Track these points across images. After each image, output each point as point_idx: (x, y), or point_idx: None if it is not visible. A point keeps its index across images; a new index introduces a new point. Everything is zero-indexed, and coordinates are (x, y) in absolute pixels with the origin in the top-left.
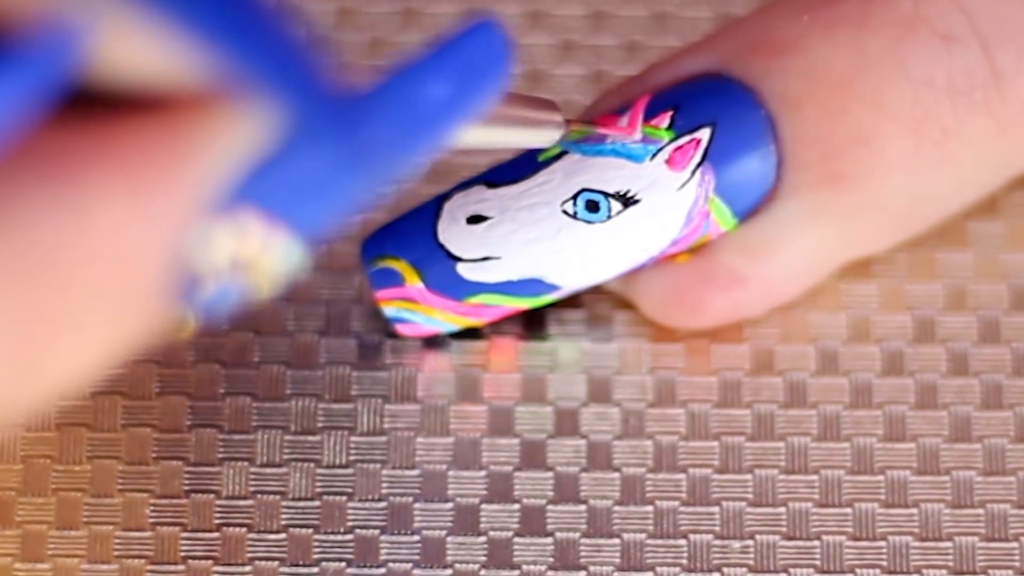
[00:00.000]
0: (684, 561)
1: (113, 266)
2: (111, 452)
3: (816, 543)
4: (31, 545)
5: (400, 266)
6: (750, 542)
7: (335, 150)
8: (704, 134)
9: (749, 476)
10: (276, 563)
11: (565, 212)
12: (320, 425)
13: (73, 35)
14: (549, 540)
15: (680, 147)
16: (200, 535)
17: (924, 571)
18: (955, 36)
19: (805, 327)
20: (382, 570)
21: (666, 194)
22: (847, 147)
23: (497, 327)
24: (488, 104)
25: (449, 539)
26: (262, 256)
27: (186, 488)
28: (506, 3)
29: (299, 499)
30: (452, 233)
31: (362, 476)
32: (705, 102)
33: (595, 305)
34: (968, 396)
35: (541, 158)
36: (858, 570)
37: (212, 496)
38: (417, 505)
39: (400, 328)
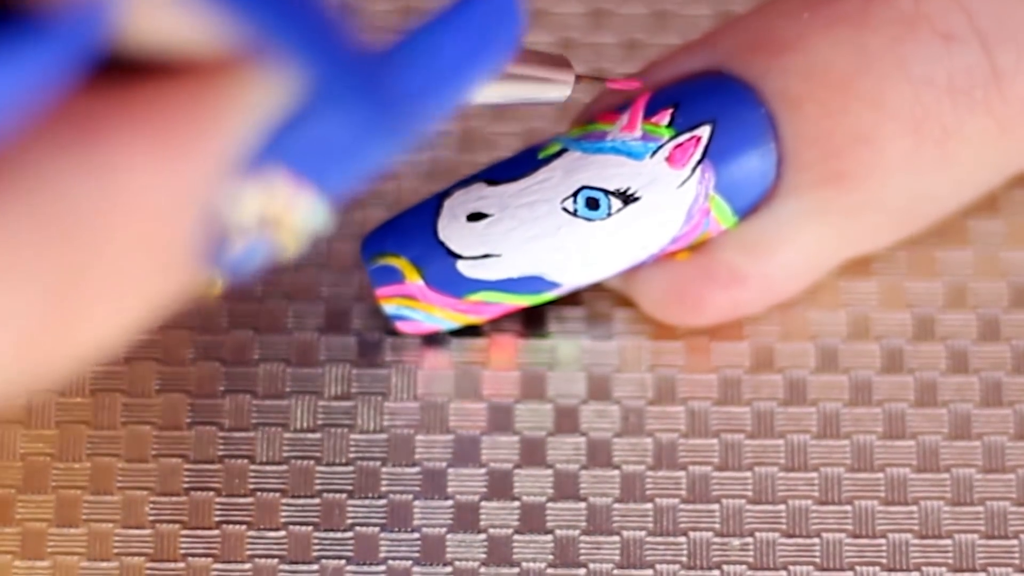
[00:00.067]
0: (684, 559)
1: (144, 227)
2: (111, 450)
3: (816, 540)
4: (31, 543)
5: (400, 263)
6: (750, 539)
7: (358, 110)
8: (704, 132)
9: (749, 473)
10: (276, 560)
11: (565, 209)
12: (320, 423)
13: (102, 4)
14: (549, 538)
15: (680, 145)
16: (200, 533)
17: (924, 568)
18: (955, 35)
19: (805, 325)
20: (382, 568)
21: (666, 192)
22: (847, 146)
23: (497, 324)
24: (503, 60)
25: (449, 536)
26: (288, 214)
27: (186, 486)
28: None
29: (299, 496)
30: (452, 230)
31: (362, 473)
32: (705, 100)
33: (595, 303)
34: (968, 393)
35: (541, 155)
36: (858, 567)
37: (212, 494)
38: (417, 502)
39: (400, 325)
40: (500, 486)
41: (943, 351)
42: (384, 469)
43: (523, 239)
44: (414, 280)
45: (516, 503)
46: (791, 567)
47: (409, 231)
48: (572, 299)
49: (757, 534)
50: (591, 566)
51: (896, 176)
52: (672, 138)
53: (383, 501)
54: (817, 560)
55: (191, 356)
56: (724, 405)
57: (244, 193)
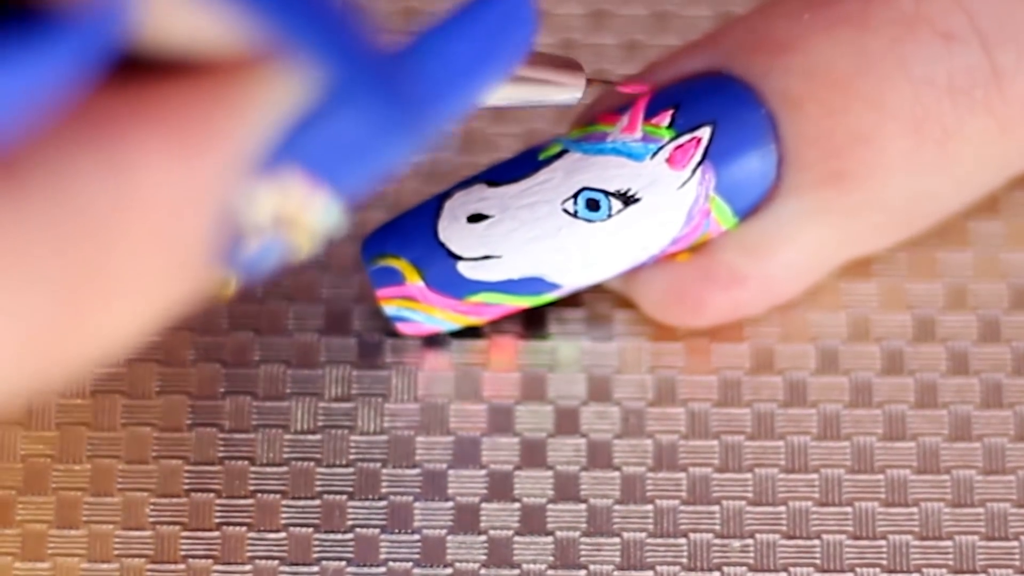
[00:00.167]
0: (684, 560)
1: (159, 225)
2: (111, 451)
3: (816, 542)
4: (31, 544)
5: (401, 265)
6: (750, 541)
7: (374, 110)
8: (705, 133)
9: (749, 475)
10: (276, 562)
11: (566, 211)
12: (320, 424)
13: (120, 3)
14: (549, 539)
15: (681, 146)
16: (200, 534)
17: (924, 570)
18: (956, 35)
19: (805, 326)
20: (382, 569)
21: (667, 193)
22: (848, 146)
23: (497, 326)
24: (515, 62)
25: (449, 538)
26: (303, 214)
27: (186, 487)
28: None
29: (299, 498)
30: (453, 232)
31: (362, 475)
32: (706, 101)
33: (595, 304)
34: (968, 395)
35: (542, 157)
36: (858, 569)
37: (212, 495)
38: (417, 504)
39: (400, 327)
40: (500, 487)
41: (943, 352)
42: (384, 470)
43: (523, 240)
44: (414, 281)
45: (516, 504)
46: (791, 569)
47: (409, 232)
48: (572, 300)
49: (757, 535)
50: (592, 567)
51: (897, 176)
52: (672, 139)
53: (383, 503)
54: (817, 562)
55: (191, 357)
56: (724, 406)
57: (259, 192)
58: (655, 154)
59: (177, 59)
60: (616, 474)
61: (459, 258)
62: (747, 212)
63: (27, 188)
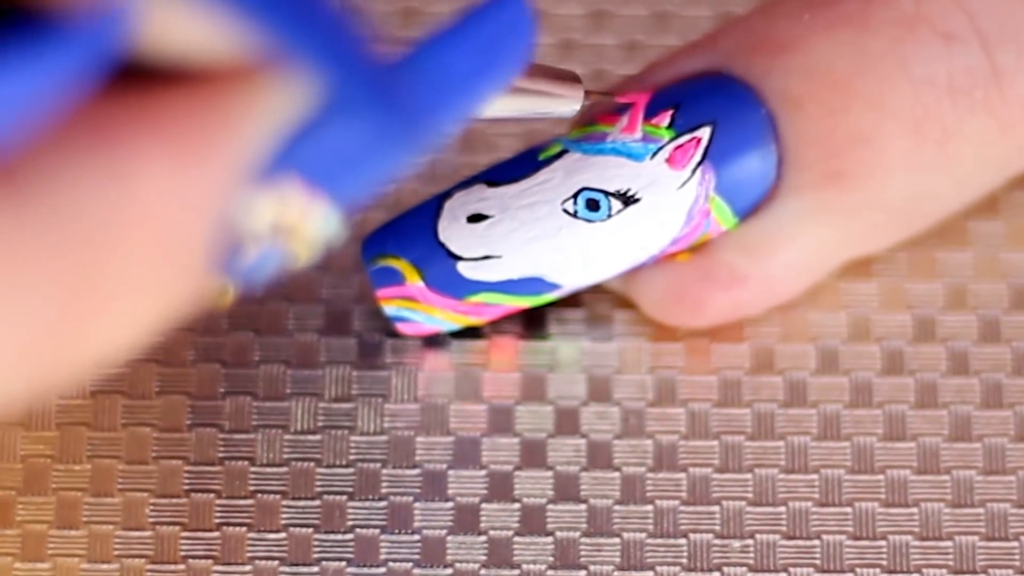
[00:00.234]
0: (684, 560)
1: (158, 233)
2: (111, 452)
3: (816, 542)
4: (31, 545)
5: (401, 265)
6: (750, 541)
7: (372, 119)
8: (705, 133)
9: (749, 475)
10: (276, 563)
11: (566, 211)
12: (320, 424)
13: (120, 11)
14: (549, 539)
15: (680, 146)
16: (200, 535)
17: (924, 570)
18: (956, 35)
19: (805, 326)
20: (382, 569)
21: (666, 193)
22: (848, 146)
23: (497, 326)
24: (514, 74)
25: (449, 538)
26: (302, 223)
27: (186, 487)
28: None
29: (299, 498)
30: (453, 232)
31: (362, 475)
32: (706, 101)
33: (595, 304)
34: (968, 395)
35: (541, 157)
36: (858, 569)
37: (212, 496)
38: (417, 504)
39: (400, 327)
40: (500, 488)
41: (943, 352)
42: (384, 471)
43: (523, 240)
44: (414, 281)
45: (516, 505)
46: (792, 569)
47: (409, 233)
48: (572, 301)
49: (757, 536)
50: (592, 568)
51: (897, 176)
52: (672, 139)
53: (383, 503)
54: (818, 562)
55: (191, 358)
56: (724, 407)
57: (258, 201)
58: (655, 154)
59: (177, 67)
60: (616, 474)
61: (459, 258)
62: (747, 212)
63: (27, 194)
